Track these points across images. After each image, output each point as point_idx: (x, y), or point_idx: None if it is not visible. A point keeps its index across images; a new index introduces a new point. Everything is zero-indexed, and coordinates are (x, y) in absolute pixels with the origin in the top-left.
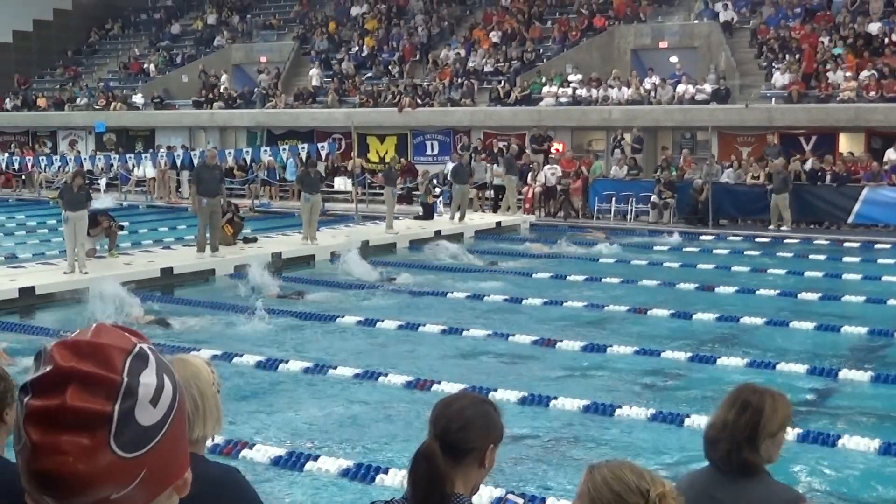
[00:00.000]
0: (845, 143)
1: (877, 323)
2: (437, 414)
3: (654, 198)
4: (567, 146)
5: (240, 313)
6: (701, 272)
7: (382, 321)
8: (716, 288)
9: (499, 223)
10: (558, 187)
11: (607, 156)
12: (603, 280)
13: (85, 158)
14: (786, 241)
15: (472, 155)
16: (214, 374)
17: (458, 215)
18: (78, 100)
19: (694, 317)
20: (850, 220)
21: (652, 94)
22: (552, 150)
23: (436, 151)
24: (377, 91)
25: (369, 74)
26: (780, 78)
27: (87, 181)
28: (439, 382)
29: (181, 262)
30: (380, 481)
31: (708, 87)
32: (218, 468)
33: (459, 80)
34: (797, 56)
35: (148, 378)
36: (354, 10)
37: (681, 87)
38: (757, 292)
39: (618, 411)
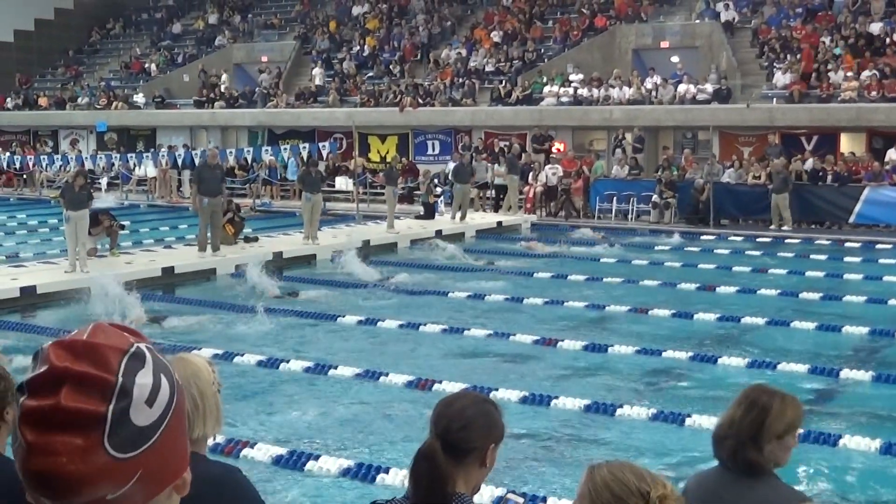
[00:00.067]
0: (846, 143)
1: (878, 323)
2: (439, 413)
3: (655, 198)
4: (568, 146)
5: (241, 313)
6: (702, 272)
7: (383, 321)
8: (717, 288)
9: (500, 223)
10: (559, 187)
11: (608, 155)
12: (604, 280)
13: (86, 158)
14: (787, 241)
15: (474, 155)
16: (215, 374)
17: (459, 215)
18: (79, 99)
19: (695, 317)
20: (852, 220)
21: (653, 93)
22: (553, 149)
23: (437, 151)
24: (378, 91)
25: (370, 74)
26: (781, 78)
27: (88, 180)
28: (440, 382)
29: (182, 261)
30: (381, 481)
31: (709, 87)
32: (219, 467)
33: (460, 80)
34: (798, 56)
35: (144, 378)
36: (356, 10)
37: (682, 87)
38: (758, 292)
39: (619, 411)
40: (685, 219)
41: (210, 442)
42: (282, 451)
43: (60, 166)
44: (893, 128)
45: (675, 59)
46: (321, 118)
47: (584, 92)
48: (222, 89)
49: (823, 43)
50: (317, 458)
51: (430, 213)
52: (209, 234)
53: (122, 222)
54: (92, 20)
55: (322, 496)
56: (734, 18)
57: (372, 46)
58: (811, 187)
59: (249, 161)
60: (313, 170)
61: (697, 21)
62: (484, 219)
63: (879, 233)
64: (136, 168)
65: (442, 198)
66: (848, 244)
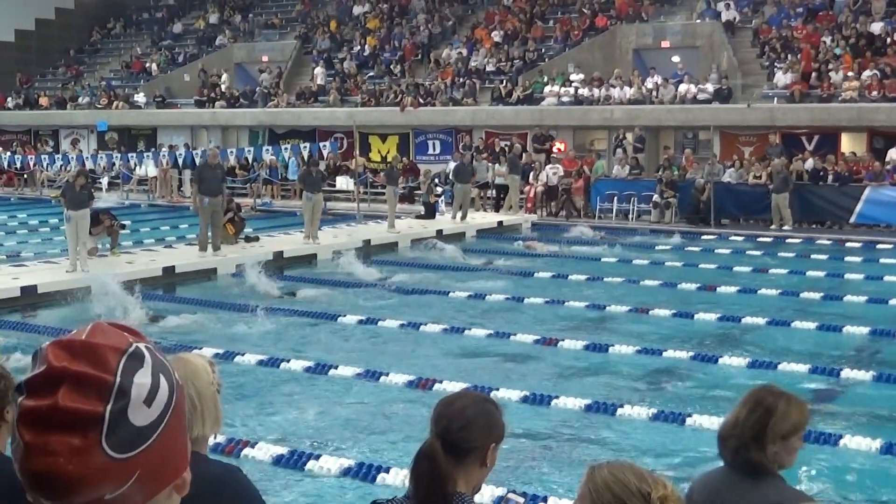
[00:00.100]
0: (847, 143)
1: (879, 323)
2: (439, 413)
3: (655, 197)
4: (569, 145)
5: (241, 312)
6: (703, 272)
7: (384, 320)
8: (717, 287)
9: (500, 223)
10: (560, 187)
11: (609, 155)
12: (604, 279)
13: (87, 157)
14: (788, 240)
15: (474, 154)
16: (215, 374)
17: (459, 215)
18: (80, 99)
19: (696, 316)
20: (852, 219)
21: (654, 93)
22: (554, 149)
23: (437, 151)
24: (379, 90)
25: (371, 74)
26: (782, 77)
27: (89, 180)
28: (441, 381)
29: (183, 260)
30: (381, 480)
31: (710, 87)
32: (219, 467)
33: (461, 80)
34: (798, 56)
35: (142, 378)
36: (356, 10)
37: (683, 87)
38: (759, 292)
39: (619, 411)
40: (686, 219)
41: (210, 442)
42: (282, 450)
43: (61, 166)
44: (894, 128)
45: (675, 58)
46: (322, 118)
47: (584, 92)
48: (223, 89)
49: (824, 43)
50: (317, 457)
51: (430, 212)
52: (210, 234)
53: (123, 222)
54: (92, 20)
55: (322, 496)
56: (735, 18)
57: (373, 46)
58: (812, 187)
59: (250, 161)
60: (314, 169)
61: (698, 21)
62: (485, 218)
63: (880, 233)
64: (137, 168)
65: (442, 197)
66: (849, 244)
